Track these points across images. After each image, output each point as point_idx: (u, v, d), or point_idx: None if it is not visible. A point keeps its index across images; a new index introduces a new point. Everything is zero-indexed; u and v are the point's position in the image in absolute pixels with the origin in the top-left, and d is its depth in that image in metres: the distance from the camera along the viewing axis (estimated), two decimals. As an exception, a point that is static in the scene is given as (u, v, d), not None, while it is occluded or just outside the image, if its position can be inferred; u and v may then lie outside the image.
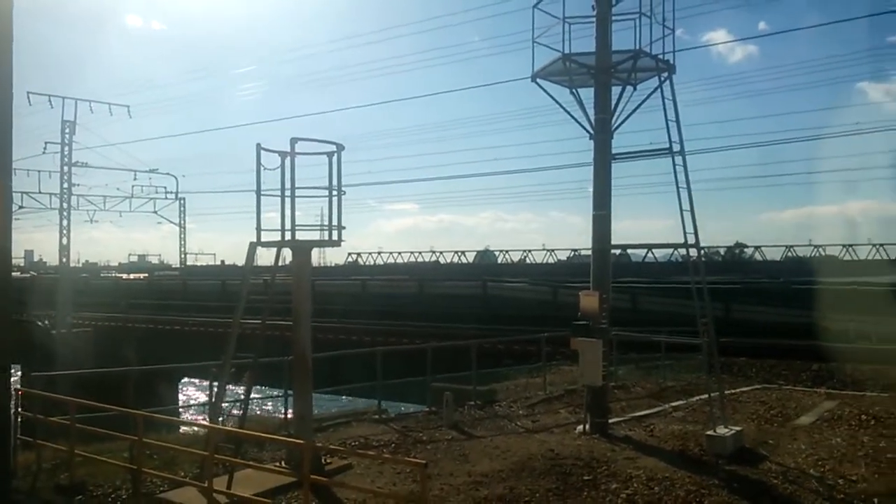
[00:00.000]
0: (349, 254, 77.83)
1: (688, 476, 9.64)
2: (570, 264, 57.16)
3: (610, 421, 12.58)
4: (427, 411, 14.19)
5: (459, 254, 71.60)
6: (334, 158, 10.28)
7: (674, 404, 14.68)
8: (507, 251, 71.00)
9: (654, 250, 46.14)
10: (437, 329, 25.46)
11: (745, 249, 61.20)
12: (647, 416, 13.66)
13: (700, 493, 9.06)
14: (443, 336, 21.90)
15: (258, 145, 9.90)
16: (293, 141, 9.81)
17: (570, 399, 15.10)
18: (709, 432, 11.18)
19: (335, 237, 10.52)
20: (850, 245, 54.56)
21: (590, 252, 13.03)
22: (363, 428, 12.83)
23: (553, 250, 66.40)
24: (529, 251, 68.25)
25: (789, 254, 56.75)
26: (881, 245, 52.98)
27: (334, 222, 10.42)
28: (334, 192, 10.28)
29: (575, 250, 63.38)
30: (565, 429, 12.63)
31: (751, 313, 24.36)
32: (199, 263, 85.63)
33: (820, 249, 55.53)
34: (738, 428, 11.52)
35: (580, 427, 12.45)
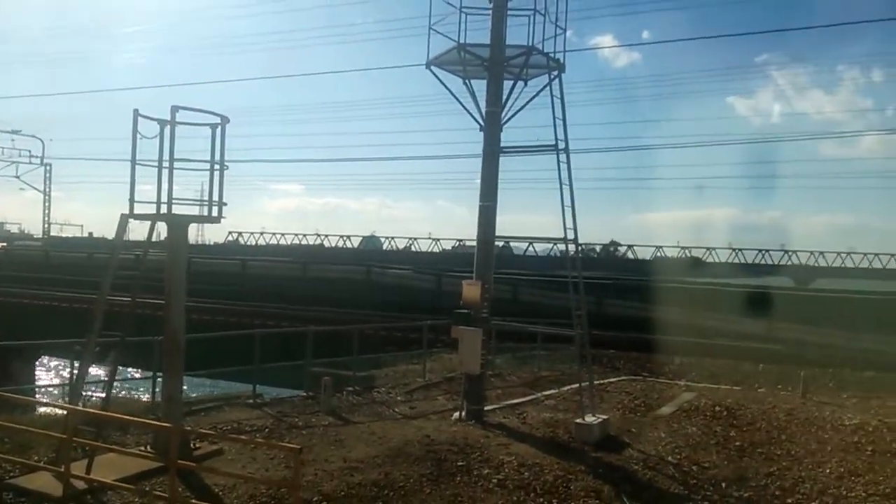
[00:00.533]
0: (230, 232, 75.18)
1: (556, 462, 10.04)
2: (455, 254, 58.01)
3: (485, 408, 12.85)
4: (304, 396, 13.95)
5: (345, 238, 71.03)
6: (218, 131, 9.86)
7: (546, 393, 15.19)
8: (392, 238, 71.06)
9: (535, 244, 47.77)
10: (319, 313, 25.10)
11: (619, 247, 64.52)
12: (521, 403, 14.08)
13: (567, 478, 9.46)
14: (325, 321, 21.63)
15: (135, 111, 9.35)
16: (174, 109, 9.31)
17: (448, 386, 15.31)
18: (577, 420, 11.69)
19: (215, 214, 10.09)
20: (713, 248, 58.72)
21: (474, 242, 13.25)
22: (236, 412, 12.46)
23: (439, 239, 67.05)
24: (415, 239, 68.56)
25: (658, 254, 60.15)
26: (740, 250, 57.46)
27: (215, 198, 9.99)
28: (216, 167, 9.87)
29: (460, 240, 64.30)
30: (442, 415, 12.80)
31: (621, 308, 25.54)
32: (64, 234, 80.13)
33: (686, 251, 59.25)
34: (604, 417, 12.10)
35: (457, 414, 12.65)
